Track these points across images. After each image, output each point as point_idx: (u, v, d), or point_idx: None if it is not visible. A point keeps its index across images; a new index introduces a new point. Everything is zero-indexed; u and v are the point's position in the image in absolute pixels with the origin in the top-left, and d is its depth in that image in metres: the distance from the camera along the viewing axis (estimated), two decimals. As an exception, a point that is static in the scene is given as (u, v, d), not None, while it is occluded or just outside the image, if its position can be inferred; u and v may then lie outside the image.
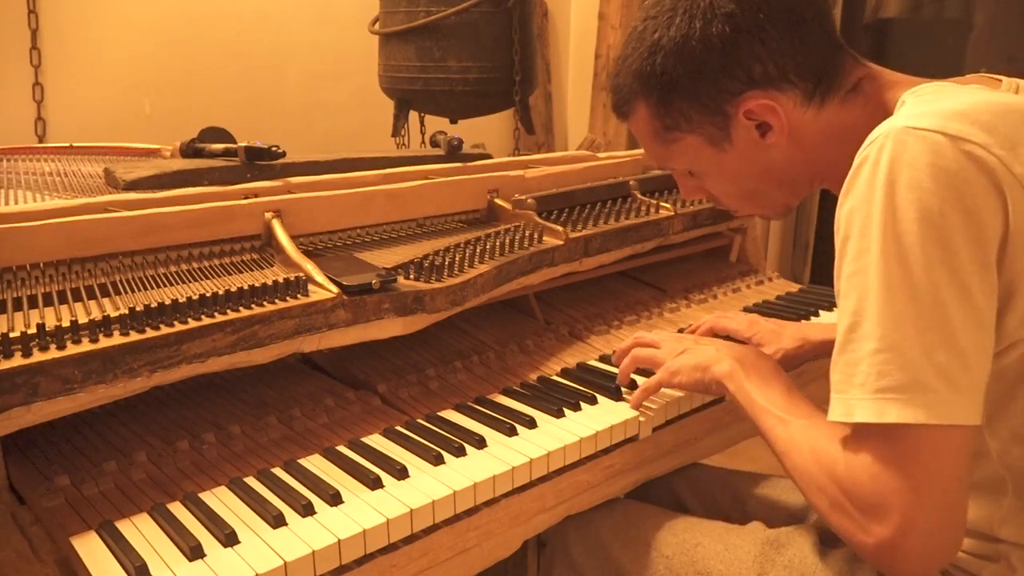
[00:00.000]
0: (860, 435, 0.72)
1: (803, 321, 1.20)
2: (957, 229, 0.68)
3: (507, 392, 1.12)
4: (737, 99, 0.86)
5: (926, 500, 0.68)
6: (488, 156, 1.53)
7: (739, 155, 0.90)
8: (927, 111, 0.73)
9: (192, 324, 0.87)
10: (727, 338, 1.18)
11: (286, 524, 0.81)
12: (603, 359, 1.23)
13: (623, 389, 1.10)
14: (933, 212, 0.68)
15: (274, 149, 1.24)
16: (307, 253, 1.06)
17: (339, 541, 0.79)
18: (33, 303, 0.89)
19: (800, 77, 0.85)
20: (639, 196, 1.49)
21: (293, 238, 1.08)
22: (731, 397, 0.95)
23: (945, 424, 0.68)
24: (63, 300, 0.91)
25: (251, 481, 0.89)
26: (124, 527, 0.80)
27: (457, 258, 1.13)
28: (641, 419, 1.06)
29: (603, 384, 1.13)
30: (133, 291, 0.94)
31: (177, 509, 0.84)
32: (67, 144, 1.70)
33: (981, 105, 0.74)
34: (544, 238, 1.29)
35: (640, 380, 1.09)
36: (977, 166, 0.69)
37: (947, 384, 0.68)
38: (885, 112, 0.81)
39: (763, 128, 0.87)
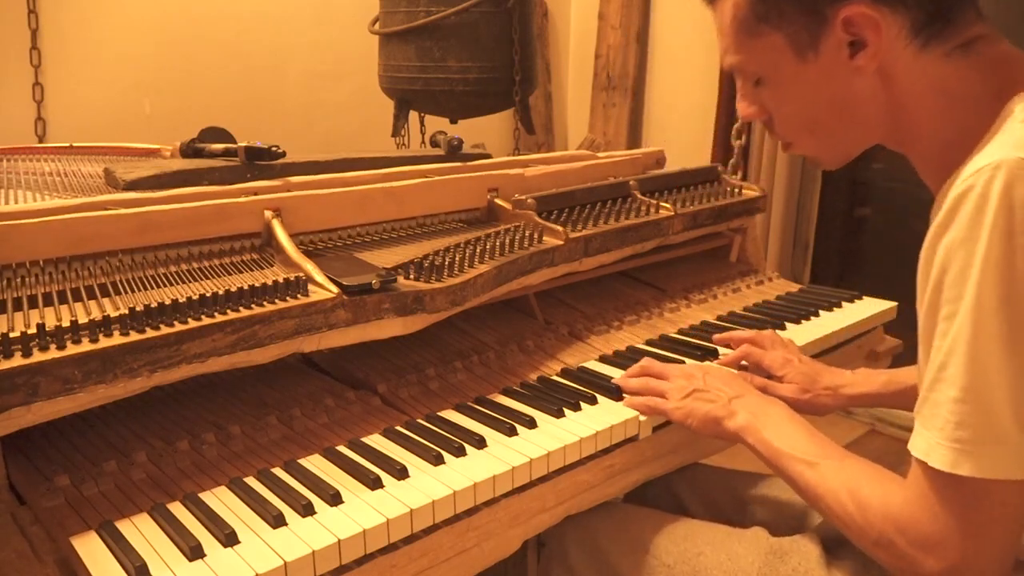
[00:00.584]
0: (930, 475, 0.72)
1: (840, 371, 1.16)
2: None
3: (507, 392, 1.12)
4: (842, 2, 0.77)
5: (985, 544, 0.70)
6: (488, 156, 1.53)
7: (820, 71, 0.81)
8: None
9: (192, 324, 0.87)
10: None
11: (286, 524, 0.81)
12: (603, 359, 1.23)
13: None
14: None
15: (274, 149, 1.24)
16: (307, 253, 1.06)
17: (339, 541, 0.79)
18: (33, 303, 0.89)
19: (917, 3, 0.76)
20: (639, 196, 1.49)
21: (293, 237, 1.08)
22: (750, 448, 0.94)
23: (1017, 480, 0.68)
24: (63, 300, 0.91)
25: (251, 481, 0.89)
26: (124, 527, 0.80)
27: (457, 258, 1.13)
28: (641, 419, 1.06)
29: (603, 384, 1.13)
30: (133, 291, 0.94)
31: (177, 509, 0.84)
32: (67, 144, 1.70)
33: None
34: (544, 238, 1.29)
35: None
36: None
37: None
38: (995, 97, 0.75)
39: (856, 47, 0.78)
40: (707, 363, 1.16)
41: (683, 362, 1.21)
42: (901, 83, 0.79)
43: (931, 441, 0.71)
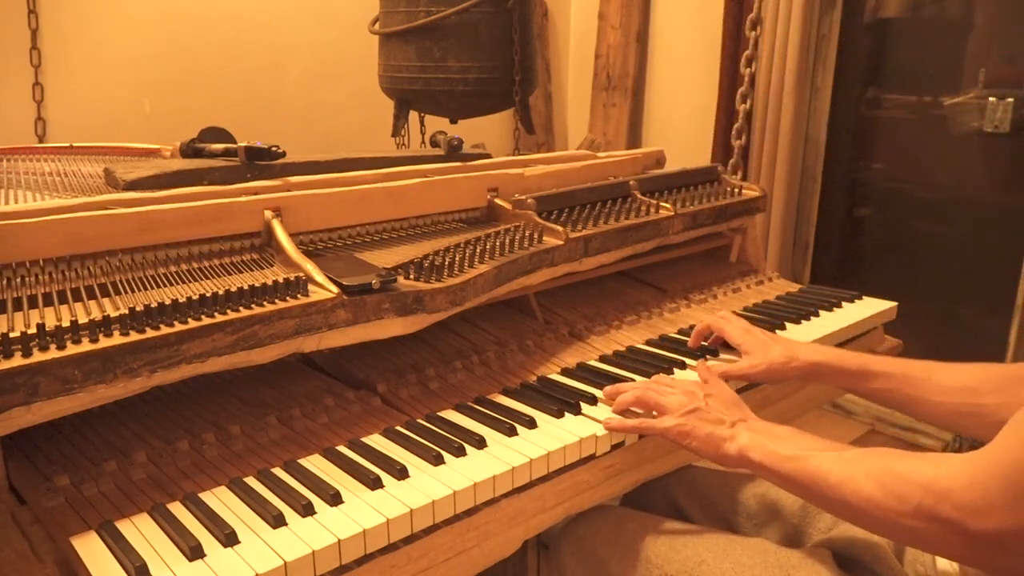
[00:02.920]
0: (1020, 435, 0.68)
1: (796, 341, 1.18)
2: None
3: (507, 392, 1.12)
4: None
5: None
6: (488, 156, 1.53)
7: None
8: None
9: (192, 324, 0.87)
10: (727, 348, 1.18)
11: (286, 524, 0.81)
12: (603, 359, 1.23)
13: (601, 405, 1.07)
14: None
15: (274, 149, 1.24)
16: (307, 253, 1.06)
17: (339, 541, 0.79)
18: (33, 303, 0.89)
19: None
20: (639, 196, 1.49)
21: (293, 236, 1.08)
22: (757, 467, 0.91)
23: None
24: (63, 300, 0.91)
25: (251, 481, 0.89)
26: (124, 527, 0.80)
27: (457, 258, 1.13)
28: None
29: (603, 384, 1.13)
30: (133, 291, 0.95)
31: (177, 509, 0.84)
32: (67, 144, 1.70)
33: None
34: (544, 238, 1.29)
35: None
36: None
37: None
38: None
39: None
40: (708, 382, 1.09)
41: (683, 362, 1.21)
42: None
43: None
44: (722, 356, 1.23)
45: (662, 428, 0.99)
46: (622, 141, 3.36)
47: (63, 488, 0.86)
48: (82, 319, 0.83)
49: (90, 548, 0.77)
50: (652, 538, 1.01)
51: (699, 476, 1.19)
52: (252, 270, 1.03)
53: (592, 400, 1.09)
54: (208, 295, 0.90)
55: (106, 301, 0.91)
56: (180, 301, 0.88)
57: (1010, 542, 0.67)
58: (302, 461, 0.93)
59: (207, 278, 1.00)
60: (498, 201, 1.35)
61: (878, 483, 0.76)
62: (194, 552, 0.76)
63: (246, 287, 0.93)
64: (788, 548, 0.97)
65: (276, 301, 0.94)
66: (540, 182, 1.43)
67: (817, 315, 1.44)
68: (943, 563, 0.89)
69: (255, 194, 1.11)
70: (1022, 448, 0.67)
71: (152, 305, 0.86)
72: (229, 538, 0.78)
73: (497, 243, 1.21)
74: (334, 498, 0.84)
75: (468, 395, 1.11)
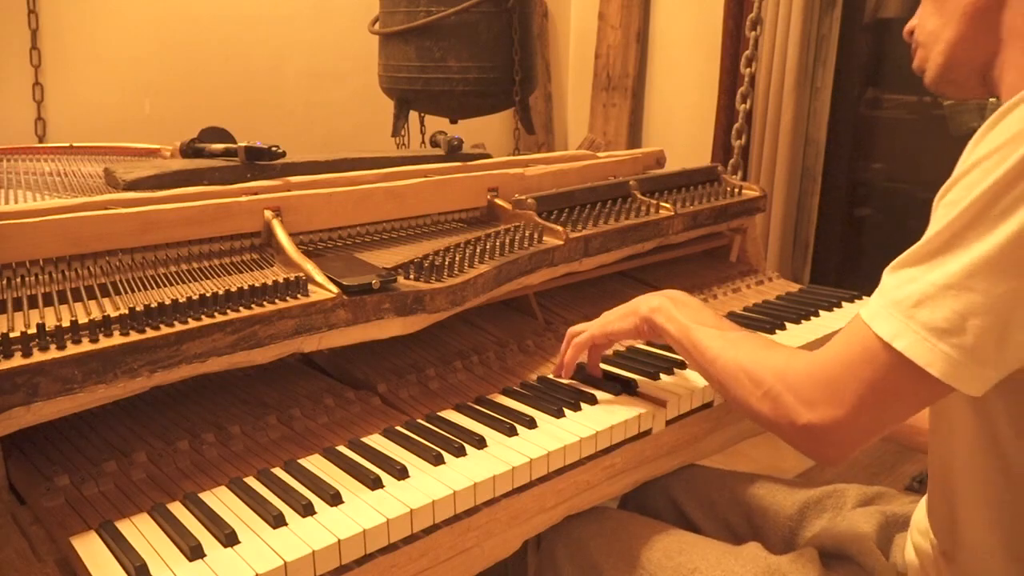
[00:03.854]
0: (855, 338, 0.72)
1: None
2: None
3: (507, 392, 1.12)
4: None
5: (864, 420, 0.72)
6: (488, 156, 1.53)
7: None
8: None
9: (192, 324, 0.87)
10: None
11: (286, 524, 0.81)
12: (603, 359, 1.23)
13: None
14: None
15: (274, 149, 1.24)
16: (307, 253, 1.06)
17: (339, 541, 0.79)
18: (33, 303, 0.89)
19: None
20: (639, 196, 1.49)
21: (293, 236, 1.08)
22: (662, 330, 1.00)
23: (936, 376, 0.66)
24: (63, 300, 0.91)
25: (251, 481, 0.89)
26: (124, 527, 0.80)
27: (457, 258, 1.13)
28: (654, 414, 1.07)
29: (603, 384, 1.13)
30: (133, 291, 0.95)
31: (177, 509, 0.84)
32: (67, 144, 1.70)
33: None
34: (544, 238, 1.29)
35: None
36: None
37: (972, 355, 0.64)
38: None
39: None
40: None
41: (683, 362, 1.21)
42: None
43: (883, 309, 0.69)
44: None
45: (589, 335, 1.11)
46: (622, 141, 3.36)
47: (63, 488, 0.86)
48: (82, 319, 0.83)
49: (90, 548, 0.77)
50: (647, 544, 1.01)
51: (699, 476, 1.19)
52: (252, 270, 1.03)
53: (592, 400, 1.09)
54: (208, 295, 0.90)
55: (106, 301, 0.91)
56: (180, 301, 0.88)
57: (829, 434, 0.74)
58: (302, 461, 0.93)
59: (207, 278, 1.00)
60: (498, 201, 1.35)
61: (740, 365, 0.84)
62: (194, 552, 0.76)
63: (246, 287, 0.93)
64: (777, 553, 0.97)
65: (276, 301, 0.94)
66: (540, 182, 1.43)
67: (817, 315, 1.44)
68: (910, 553, 0.89)
69: (255, 194, 1.11)
70: (846, 348, 0.73)
71: (152, 305, 0.86)
72: (229, 538, 0.78)
73: (497, 243, 1.21)
74: (334, 498, 0.84)
75: (468, 395, 1.11)
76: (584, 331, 1.12)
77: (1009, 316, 0.64)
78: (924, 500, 0.89)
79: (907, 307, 0.67)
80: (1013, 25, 0.76)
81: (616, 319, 1.08)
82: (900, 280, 0.69)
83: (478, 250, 1.17)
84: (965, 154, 0.68)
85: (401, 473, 0.89)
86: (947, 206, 0.67)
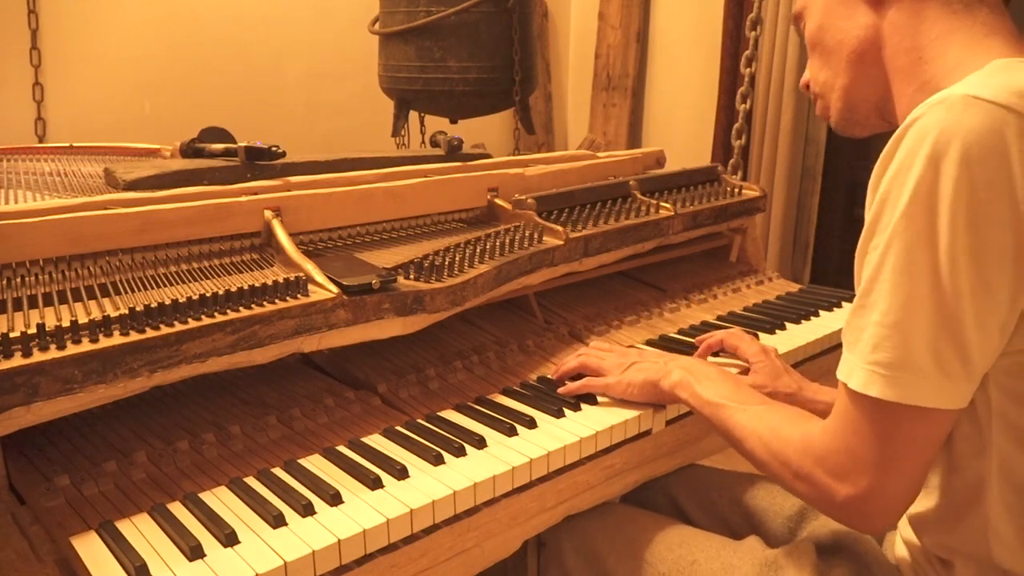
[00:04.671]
0: (848, 398, 0.74)
1: (807, 380, 1.17)
2: (996, 217, 0.65)
3: (507, 392, 1.12)
4: None
5: (893, 474, 0.72)
6: (488, 156, 1.53)
7: (842, 3, 0.84)
8: (995, 83, 0.68)
9: (192, 324, 0.87)
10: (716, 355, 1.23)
11: (286, 524, 0.81)
12: (603, 359, 1.23)
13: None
14: (977, 193, 0.64)
15: (274, 149, 1.24)
16: (307, 253, 1.06)
17: (339, 541, 0.79)
18: (33, 303, 0.89)
19: None
20: (639, 196, 1.49)
21: (293, 236, 1.08)
22: (686, 404, 1.00)
23: (925, 407, 0.69)
24: (63, 300, 0.91)
25: (251, 481, 0.89)
26: (124, 527, 0.80)
27: (457, 258, 1.13)
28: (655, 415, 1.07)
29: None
30: (133, 291, 0.95)
31: (177, 509, 0.84)
32: (67, 144, 1.70)
33: None
34: (544, 238, 1.29)
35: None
36: None
37: (939, 370, 0.68)
38: (974, 64, 0.74)
39: None
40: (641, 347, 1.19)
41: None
42: (899, 28, 0.81)
43: (852, 363, 0.72)
44: (722, 359, 1.23)
45: (603, 385, 1.08)
46: (622, 141, 3.36)
47: (63, 488, 0.86)
48: (82, 319, 0.83)
49: (90, 548, 0.77)
50: (649, 537, 1.02)
51: (699, 475, 1.19)
52: (252, 270, 1.03)
53: (592, 400, 1.09)
54: (208, 295, 0.90)
55: (106, 301, 0.91)
56: (180, 301, 0.88)
57: (868, 502, 0.73)
58: (302, 461, 0.93)
59: (207, 278, 1.00)
60: (498, 201, 1.35)
61: (766, 446, 0.84)
62: (194, 552, 0.76)
63: (246, 287, 0.93)
64: (775, 547, 0.98)
65: (276, 301, 0.94)
66: (540, 182, 1.43)
67: (817, 315, 1.44)
68: (900, 549, 0.89)
69: (255, 194, 1.11)
70: (844, 412, 0.74)
71: (152, 305, 0.86)
72: (229, 538, 0.78)
73: (497, 243, 1.21)
74: (334, 498, 0.84)
75: (468, 395, 1.11)
76: (604, 376, 1.09)
77: (944, 322, 0.67)
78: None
79: (867, 355, 0.71)
80: (894, 63, 0.82)
81: (637, 390, 1.06)
82: (852, 332, 0.73)
83: (478, 250, 1.17)
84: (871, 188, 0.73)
85: (401, 473, 0.89)
86: (871, 251, 0.71)
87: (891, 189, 0.69)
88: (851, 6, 0.84)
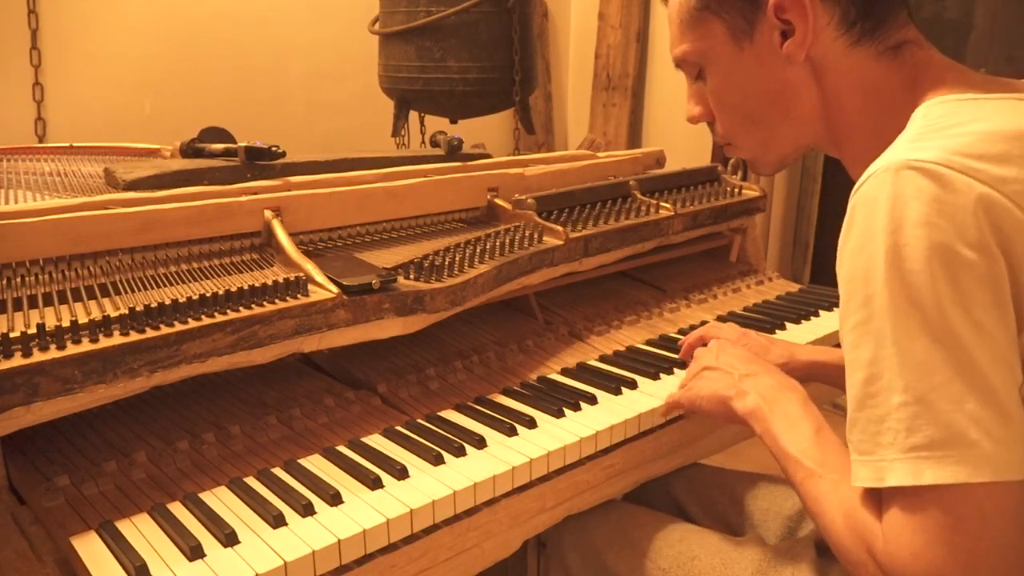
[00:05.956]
0: (895, 503, 0.65)
1: (793, 342, 1.18)
2: (967, 266, 0.63)
3: (507, 392, 1.12)
4: None
5: (979, 565, 0.62)
6: (488, 156, 1.53)
7: (755, 59, 0.82)
8: (933, 144, 0.68)
9: (192, 324, 0.87)
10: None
11: (286, 524, 0.81)
12: (603, 359, 1.23)
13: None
14: (944, 248, 0.63)
15: (274, 149, 1.24)
16: (307, 253, 1.06)
17: (339, 541, 0.79)
18: (33, 303, 0.89)
19: None
20: (639, 196, 1.49)
21: (293, 236, 1.08)
22: (757, 436, 0.91)
23: (989, 481, 0.61)
24: (63, 300, 0.91)
25: (251, 481, 0.89)
26: (124, 527, 0.80)
27: (457, 258, 1.13)
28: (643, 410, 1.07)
29: (603, 384, 1.13)
30: (133, 291, 0.95)
31: (177, 509, 0.84)
32: (67, 144, 1.70)
33: (994, 134, 0.68)
34: (544, 238, 1.29)
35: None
36: (985, 204, 0.63)
37: (985, 435, 0.61)
38: (911, 103, 0.75)
39: (787, 35, 0.80)
40: (723, 339, 1.12)
41: (683, 362, 1.21)
42: (832, 78, 0.81)
43: (882, 462, 0.65)
44: (680, 342, 1.23)
45: (678, 401, 1.04)
46: (622, 141, 3.36)
47: (63, 488, 0.86)
48: (82, 319, 0.83)
49: (90, 548, 0.77)
50: (649, 534, 1.02)
51: (700, 474, 1.20)
52: (252, 270, 1.03)
53: (592, 400, 1.09)
54: (208, 295, 0.90)
55: (106, 301, 0.91)
56: (180, 301, 0.88)
57: None
58: (302, 461, 0.93)
59: (207, 278, 1.00)
60: (498, 201, 1.35)
61: (846, 518, 0.72)
62: (194, 552, 0.76)
63: (246, 287, 0.93)
64: (775, 544, 0.98)
65: (276, 301, 0.94)
66: (540, 182, 1.43)
67: (817, 315, 1.44)
68: None
69: (255, 194, 1.11)
70: (900, 519, 0.64)
71: (152, 305, 0.86)
72: (229, 538, 0.78)
73: (497, 243, 1.21)
74: (334, 498, 0.84)
75: (468, 395, 1.11)
76: (701, 370, 1.03)
77: (965, 376, 0.62)
78: None
79: (903, 443, 0.63)
80: (808, 113, 0.84)
81: (705, 403, 0.98)
82: (867, 429, 0.66)
83: (478, 250, 1.17)
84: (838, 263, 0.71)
85: (401, 473, 0.89)
86: (861, 340, 0.67)
87: (859, 264, 0.67)
88: (767, 61, 0.82)
